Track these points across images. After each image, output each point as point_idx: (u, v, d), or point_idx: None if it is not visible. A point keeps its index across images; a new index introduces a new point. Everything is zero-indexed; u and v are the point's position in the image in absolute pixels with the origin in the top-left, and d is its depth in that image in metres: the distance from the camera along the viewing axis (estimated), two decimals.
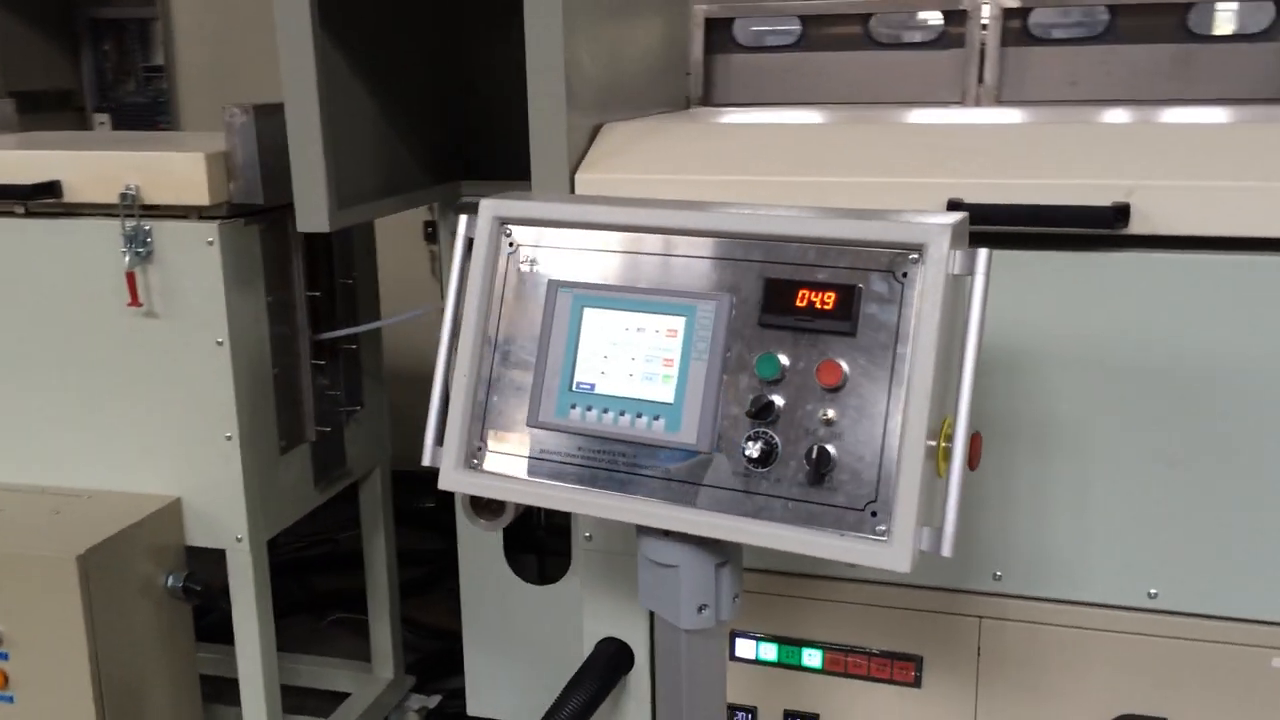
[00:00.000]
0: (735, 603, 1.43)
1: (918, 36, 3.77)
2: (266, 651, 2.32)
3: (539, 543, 2.54)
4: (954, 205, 1.57)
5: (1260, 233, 1.52)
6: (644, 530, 1.40)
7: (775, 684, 1.85)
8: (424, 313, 2.32)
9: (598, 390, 1.37)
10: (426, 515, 3.86)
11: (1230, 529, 1.60)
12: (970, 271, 1.23)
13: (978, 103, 3.66)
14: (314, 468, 2.47)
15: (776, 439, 1.28)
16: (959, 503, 1.21)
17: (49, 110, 4.21)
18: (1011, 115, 2.03)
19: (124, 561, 2.10)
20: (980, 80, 3.66)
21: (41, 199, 2.13)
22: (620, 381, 1.36)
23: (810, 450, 1.26)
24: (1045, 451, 1.65)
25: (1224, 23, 3.52)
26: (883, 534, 1.23)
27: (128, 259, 2.11)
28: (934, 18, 3.71)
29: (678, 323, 1.34)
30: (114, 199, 2.09)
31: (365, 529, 2.86)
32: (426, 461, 1.48)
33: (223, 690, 2.60)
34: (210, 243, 2.10)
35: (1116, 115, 1.98)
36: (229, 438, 2.18)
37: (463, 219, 1.48)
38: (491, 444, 1.45)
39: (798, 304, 1.28)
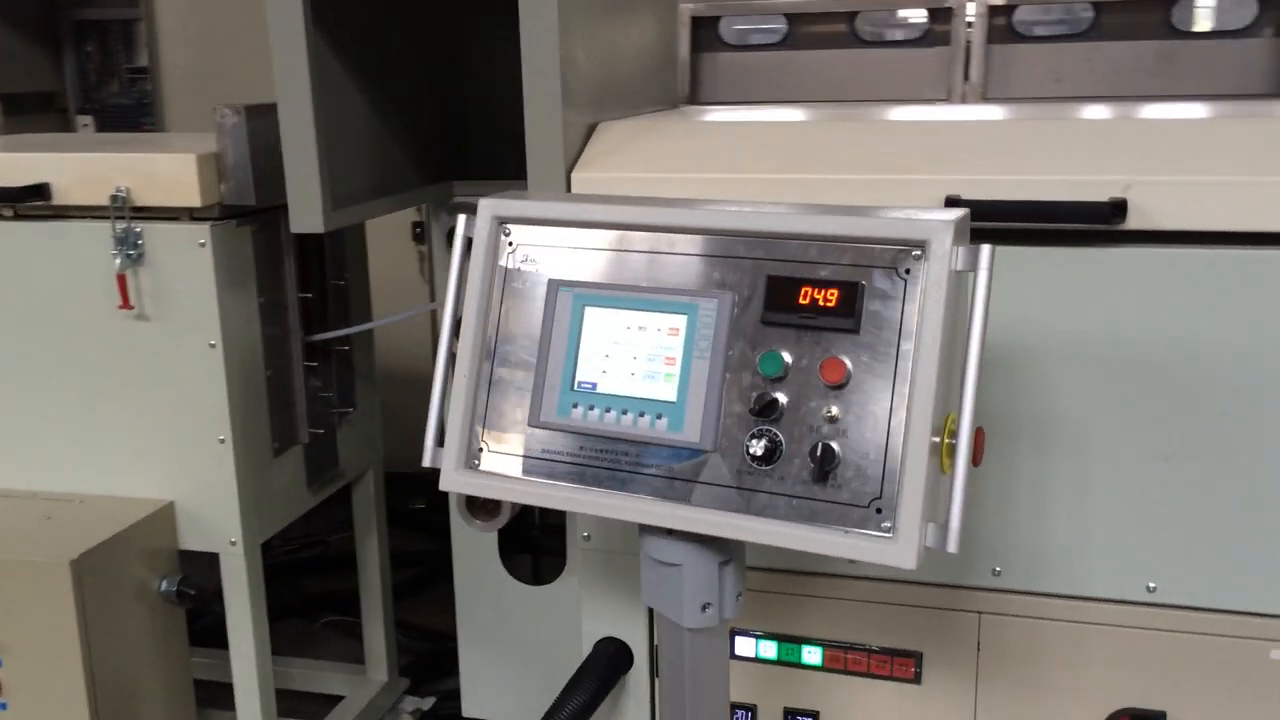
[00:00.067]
0: (738, 601, 1.43)
1: (903, 34, 3.79)
2: (261, 655, 2.31)
3: (534, 543, 2.54)
4: (951, 201, 1.58)
5: (1256, 227, 1.53)
6: (647, 529, 1.40)
7: (775, 682, 1.85)
8: (416, 313, 2.32)
9: (599, 390, 1.37)
10: (417, 516, 3.85)
11: (1228, 522, 1.61)
12: (973, 268, 1.23)
13: (963, 100, 3.68)
14: (307, 470, 2.46)
15: (780, 436, 1.28)
16: (964, 498, 1.22)
17: (32, 113, 4.18)
18: (1001, 112, 2.04)
19: (117, 566, 2.09)
20: (966, 78, 3.68)
21: (31, 201, 2.11)
22: (622, 381, 1.36)
23: (814, 447, 1.25)
24: (1042, 446, 1.66)
25: (1207, 19, 3.54)
26: (888, 530, 1.23)
27: (119, 261, 2.10)
28: (919, 16, 3.73)
29: (679, 321, 1.33)
30: (104, 201, 2.08)
31: (358, 531, 2.85)
32: (427, 463, 1.47)
33: (216, 695, 2.59)
34: (202, 244, 2.08)
35: (1106, 111, 1.99)
36: (222, 440, 2.17)
37: (461, 218, 1.47)
38: (492, 444, 1.44)
39: (800, 301, 1.28)
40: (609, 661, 1.86)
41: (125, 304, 2.12)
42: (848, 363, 1.26)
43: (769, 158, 1.75)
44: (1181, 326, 1.57)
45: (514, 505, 1.82)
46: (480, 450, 1.44)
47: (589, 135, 1.85)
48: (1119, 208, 1.53)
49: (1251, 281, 1.54)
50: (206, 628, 2.66)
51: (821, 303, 1.27)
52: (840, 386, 1.26)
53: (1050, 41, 3.65)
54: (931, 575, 1.73)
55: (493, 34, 2.45)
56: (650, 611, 1.86)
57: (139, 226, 2.10)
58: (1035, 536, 1.68)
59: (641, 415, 1.34)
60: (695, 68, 3.91)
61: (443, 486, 1.46)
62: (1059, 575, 1.69)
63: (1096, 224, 1.55)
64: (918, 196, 1.61)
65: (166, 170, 2.06)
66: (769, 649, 1.84)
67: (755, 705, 1.86)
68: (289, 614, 3.41)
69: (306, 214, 1.95)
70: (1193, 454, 1.60)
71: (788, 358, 1.28)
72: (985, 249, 1.23)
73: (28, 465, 2.27)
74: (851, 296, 1.26)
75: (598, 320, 1.37)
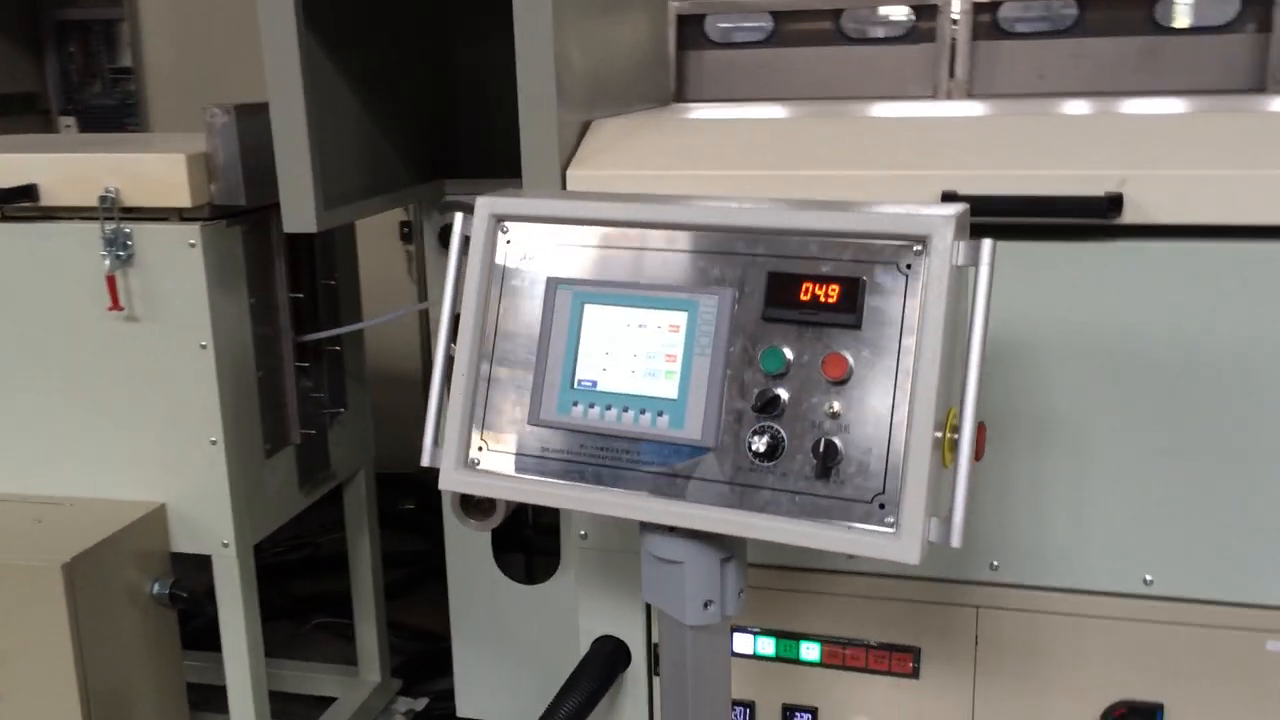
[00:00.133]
0: (740, 597, 1.43)
1: (888, 32, 3.79)
2: (254, 657, 2.30)
3: (527, 542, 2.53)
4: (948, 196, 1.58)
5: (1250, 220, 1.53)
6: (648, 526, 1.39)
7: (773, 678, 1.85)
8: (405, 313, 2.31)
9: (600, 387, 1.36)
10: (408, 517, 3.84)
11: (1225, 514, 1.62)
12: (974, 262, 1.23)
13: (949, 96, 3.69)
14: (299, 471, 2.45)
15: (782, 433, 1.28)
16: (967, 493, 1.22)
17: (13, 114, 4.15)
18: (990, 108, 2.04)
19: (109, 569, 2.07)
20: (951, 74, 3.69)
21: (18, 203, 2.09)
22: (622, 378, 1.35)
23: (817, 443, 1.25)
24: (1040, 440, 1.66)
25: (1189, 15, 3.56)
26: (891, 526, 1.23)
27: (108, 262, 2.08)
28: (904, 13, 3.74)
29: (680, 318, 1.33)
30: (92, 202, 2.06)
31: (350, 531, 2.83)
32: (425, 462, 1.47)
33: (209, 697, 2.58)
34: (192, 245, 2.07)
35: (1095, 107, 2.00)
36: (213, 442, 2.16)
37: (459, 217, 1.46)
38: (491, 443, 1.43)
39: (801, 297, 1.28)
40: (607, 659, 1.86)
41: (115, 305, 2.10)
42: (849, 358, 1.25)
43: (765, 154, 1.75)
44: (1177, 319, 1.58)
45: (509, 504, 1.82)
46: (480, 449, 1.44)
47: (583, 133, 1.85)
48: (1115, 202, 1.54)
49: (1247, 275, 1.55)
50: (197, 630, 2.65)
51: (823, 298, 1.27)
52: (842, 382, 1.26)
53: (1034, 38, 3.66)
54: (929, 570, 1.74)
55: (482, 32, 2.44)
56: (648, 609, 1.86)
57: (128, 227, 2.08)
58: (1033, 530, 1.69)
59: (642, 413, 1.34)
60: (681, 65, 3.90)
61: (442, 486, 1.45)
62: (1057, 569, 1.69)
63: (1093, 218, 1.55)
64: (913, 192, 1.61)
65: (156, 170, 2.05)
66: (767, 645, 1.84)
67: (754, 702, 1.86)
68: (279, 616, 3.39)
69: (299, 214, 1.93)
70: (1189, 446, 1.61)
71: (789, 354, 1.28)
72: (986, 244, 1.23)
73: (18, 468, 2.25)
74: (853, 292, 1.26)
75: (597, 318, 1.37)
